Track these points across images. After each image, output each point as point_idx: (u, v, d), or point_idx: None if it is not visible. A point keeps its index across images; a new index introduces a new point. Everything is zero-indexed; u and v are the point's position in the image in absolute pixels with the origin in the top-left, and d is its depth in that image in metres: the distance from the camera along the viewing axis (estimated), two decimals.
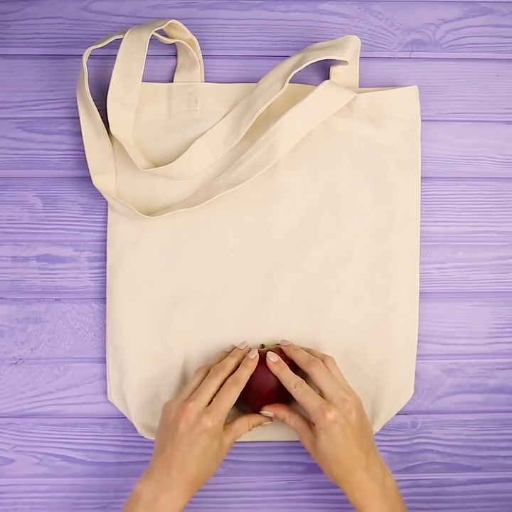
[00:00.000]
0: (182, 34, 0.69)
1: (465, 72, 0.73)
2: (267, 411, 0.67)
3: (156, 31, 0.66)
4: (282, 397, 0.66)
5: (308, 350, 0.68)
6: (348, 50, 0.66)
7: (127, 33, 0.65)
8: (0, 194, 0.71)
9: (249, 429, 0.67)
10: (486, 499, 0.73)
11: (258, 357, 0.66)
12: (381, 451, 0.72)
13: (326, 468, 0.63)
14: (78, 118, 0.67)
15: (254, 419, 0.67)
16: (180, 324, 0.70)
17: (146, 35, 0.65)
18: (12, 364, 0.71)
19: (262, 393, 0.66)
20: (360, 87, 0.71)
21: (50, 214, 0.71)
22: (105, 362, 0.71)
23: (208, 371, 0.66)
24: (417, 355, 0.71)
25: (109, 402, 0.71)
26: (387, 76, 0.72)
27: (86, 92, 0.64)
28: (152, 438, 0.70)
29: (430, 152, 0.72)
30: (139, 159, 0.68)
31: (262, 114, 0.68)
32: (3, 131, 0.71)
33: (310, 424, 0.65)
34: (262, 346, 0.69)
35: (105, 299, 0.70)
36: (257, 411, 0.67)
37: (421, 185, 0.71)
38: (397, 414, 0.72)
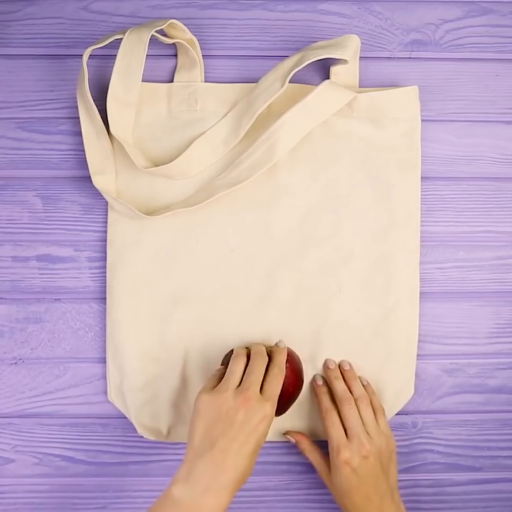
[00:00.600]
0: (182, 34, 0.69)
1: (465, 72, 0.73)
2: (290, 437, 0.69)
3: (156, 31, 0.66)
4: (294, 398, 0.67)
5: (352, 379, 0.68)
6: (349, 49, 0.66)
7: (127, 33, 0.65)
8: (0, 194, 0.71)
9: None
10: (487, 499, 0.73)
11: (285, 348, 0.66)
12: None
13: (340, 503, 0.64)
14: (78, 118, 0.67)
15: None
16: (181, 324, 0.70)
17: (146, 35, 0.65)
18: (12, 364, 0.71)
19: (290, 390, 0.66)
20: (360, 87, 0.71)
21: (50, 214, 0.71)
22: (105, 362, 0.71)
23: (244, 357, 0.63)
24: (418, 355, 0.71)
25: (109, 402, 0.71)
26: (387, 76, 0.72)
27: (86, 92, 0.64)
28: (152, 438, 0.70)
29: (430, 152, 0.72)
30: (138, 159, 0.68)
31: (262, 114, 0.68)
32: (3, 131, 0.71)
33: (328, 459, 0.66)
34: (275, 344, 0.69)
35: (105, 299, 0.70)
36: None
37: (421, 185, 0.71)
38: (397, 414, 0.72)
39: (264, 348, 0.65)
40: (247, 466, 0.58)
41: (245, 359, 0.63)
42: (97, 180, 0.68)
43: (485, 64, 0.73)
